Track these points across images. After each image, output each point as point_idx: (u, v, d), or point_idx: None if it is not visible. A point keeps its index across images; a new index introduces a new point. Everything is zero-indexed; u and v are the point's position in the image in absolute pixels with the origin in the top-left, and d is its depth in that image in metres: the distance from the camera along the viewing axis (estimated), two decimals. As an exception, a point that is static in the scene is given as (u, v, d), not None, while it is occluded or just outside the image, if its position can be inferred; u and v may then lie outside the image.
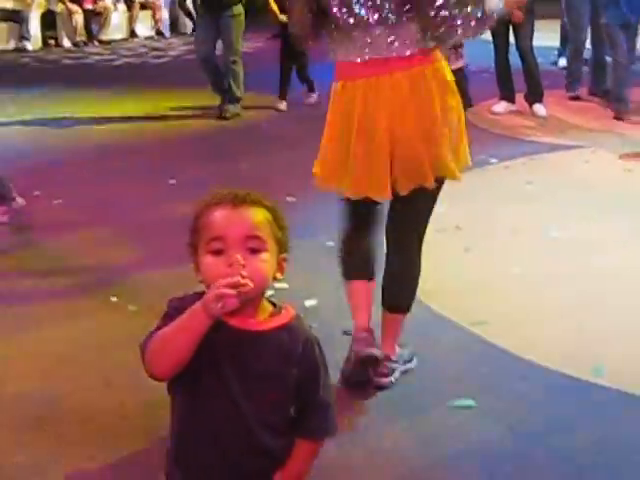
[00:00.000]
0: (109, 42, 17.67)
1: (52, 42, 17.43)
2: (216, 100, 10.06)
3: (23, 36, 16.94)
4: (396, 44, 3.61)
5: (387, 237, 3.98)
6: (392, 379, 3.93)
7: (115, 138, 9.02)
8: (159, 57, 16.07)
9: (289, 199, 6.15)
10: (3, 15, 16.78)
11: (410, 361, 4.06)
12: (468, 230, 5.89)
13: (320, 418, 2.21)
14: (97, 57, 15.93)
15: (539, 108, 9.50)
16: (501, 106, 9.66)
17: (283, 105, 10.43)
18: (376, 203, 3.88)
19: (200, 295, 2.03)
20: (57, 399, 3.93)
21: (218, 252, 2.03)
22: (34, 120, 10.27)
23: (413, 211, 3.86)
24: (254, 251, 2.03)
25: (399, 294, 3.95)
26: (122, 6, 18.55)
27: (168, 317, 2.08)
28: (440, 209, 6.20)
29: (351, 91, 3.68)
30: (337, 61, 3.76)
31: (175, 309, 2.08)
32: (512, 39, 9.48)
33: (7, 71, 14.54)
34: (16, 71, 14.61)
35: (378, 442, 3.55)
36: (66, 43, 17.20)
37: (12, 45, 16.95)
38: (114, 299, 4.92)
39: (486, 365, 4.14)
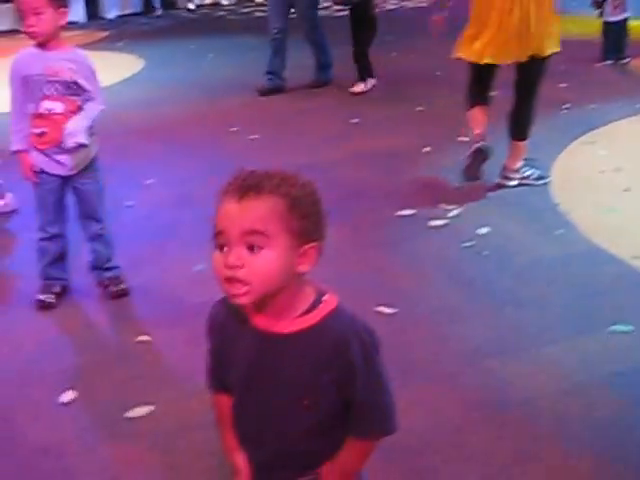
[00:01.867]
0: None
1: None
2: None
3: (219, -9, 17.30)
4: None
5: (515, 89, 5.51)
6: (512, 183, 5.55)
7: (302, 82, 9.16)
8: (343, 10, 16.02)
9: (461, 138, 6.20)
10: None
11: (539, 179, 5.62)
12: (628, 171, 5.83)
13: (365, 419, 1.92)
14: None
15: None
16: (662, 57, 9.41)
17: (369, 83, 8.85)
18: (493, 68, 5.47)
19: (220, 302, 1.96)
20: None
21: (221, 247, 1.76)
22: (229, 65, 10.65)
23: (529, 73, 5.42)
24: (255, 248, 1.73)
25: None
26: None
27: (209, 348, 2.04)
28: (601, 152, 6.23)
29: None
30: None
31: (209, 336, 2.03)
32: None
33: (205, 23, 14.96)
34: (212, 23, 15.00)
35: (541, 360, 3.61)
36: (258, -3, 17.42)
37: (209, 0, 17.34)
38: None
39: (644, 295, 4.15)
